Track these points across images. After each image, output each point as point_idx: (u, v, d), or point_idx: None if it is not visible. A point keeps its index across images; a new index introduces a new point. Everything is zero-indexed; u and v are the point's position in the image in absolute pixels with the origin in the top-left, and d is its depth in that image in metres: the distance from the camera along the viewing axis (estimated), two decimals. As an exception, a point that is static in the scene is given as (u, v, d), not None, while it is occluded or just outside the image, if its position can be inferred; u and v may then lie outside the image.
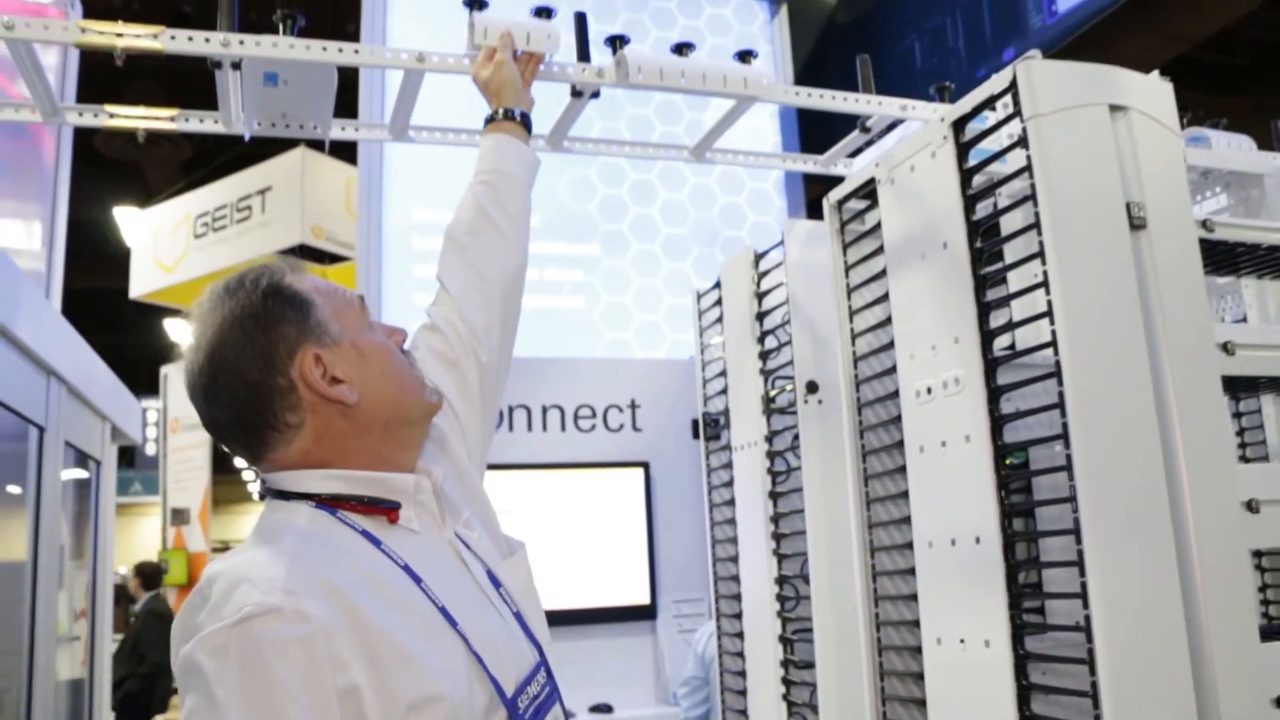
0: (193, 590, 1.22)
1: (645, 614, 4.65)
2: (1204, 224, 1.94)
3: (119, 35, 2.01)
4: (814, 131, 5.82)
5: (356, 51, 2.18)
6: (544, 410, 4.80)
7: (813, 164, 2.87)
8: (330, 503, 1.35)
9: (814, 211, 2.27)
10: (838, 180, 2.29)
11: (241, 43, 2.09)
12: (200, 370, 1.36)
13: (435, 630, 1.27)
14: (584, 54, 2.34)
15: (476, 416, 1.69)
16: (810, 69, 7.56)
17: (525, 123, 2.03)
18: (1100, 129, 1.74)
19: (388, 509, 1.36)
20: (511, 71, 2.08)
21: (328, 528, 1.32)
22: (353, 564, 1.27)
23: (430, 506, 1.43)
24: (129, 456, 15.21)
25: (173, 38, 2.05)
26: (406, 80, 2.33)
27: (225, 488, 20.19)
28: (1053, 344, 1.65)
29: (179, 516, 11.92)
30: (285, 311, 1.37)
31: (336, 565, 1.25)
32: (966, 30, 6.46)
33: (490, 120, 2.02)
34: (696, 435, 3.16)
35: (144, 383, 10.42)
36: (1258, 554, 2.52)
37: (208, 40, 2.07)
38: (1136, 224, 1.71)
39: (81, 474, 4.20)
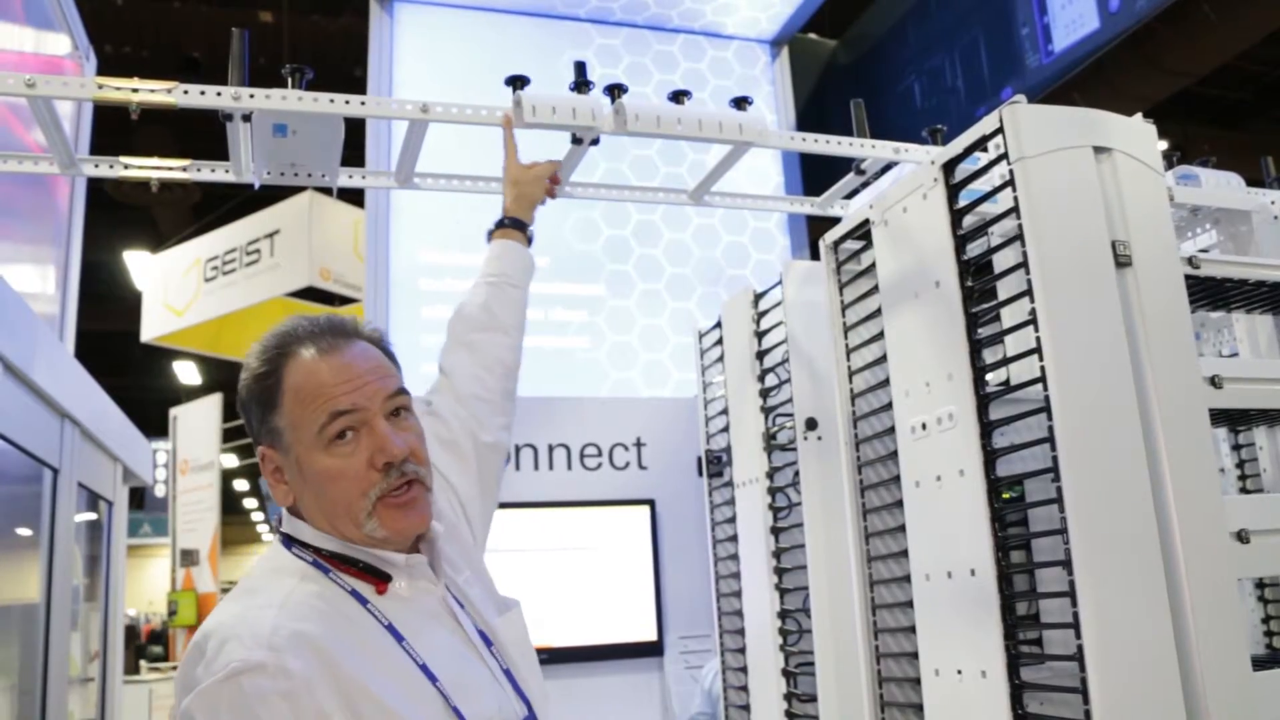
0: (191, 643, 1.31)
1: (652, 650, 4.66)
2: (1190, 260, 1.98)
3: (135, 91, 2.08)
4: (817, 170, 5.89)
5: (363, 103, 2.24)
6: (550, 449, 4.84)
7: (810, 206, 2.92)
8: (328, 560, 1.41)
9: (817, 250, 2.32)
10: (838, 219, 2.34)
11: (252, 96, 2.15)
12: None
13: (413, 686, 1.33)
14: (583, 103, 2.40)
15: (474, 491, 1.75)
16: (811, 109, 7.66)
17: (529, 236, 2.13)
18: (1085, 170, 1.79)
19: (378, 580, 1.42)
20: (539, 191, 2.18)
21: (318, 584, 1.39)
22: (336, 621, 1.34)
23: (423, 573, 1.47)
24: (138, 498, 15.28)
25: (185, 92, 2.12)
26: (411, 130, 2.39)
27: (234, 529, 20.24)
28: (1042, 379, 1.69)
29: (188, 558, 11.94)
30: (255, 403, 1.44)
31: (320, 622, 1.32)
32: (965, 70, 6.55)
33: (500, 225, 2.10)
34: (701, 472, 3.20)
35: (153, 425, 10.48)
36: (1260, 584, 2.54)
37: (219, 95, 2.13)
38: (1122, 261, 1.76)
39: (92, 516, 4.24)
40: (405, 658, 1.35)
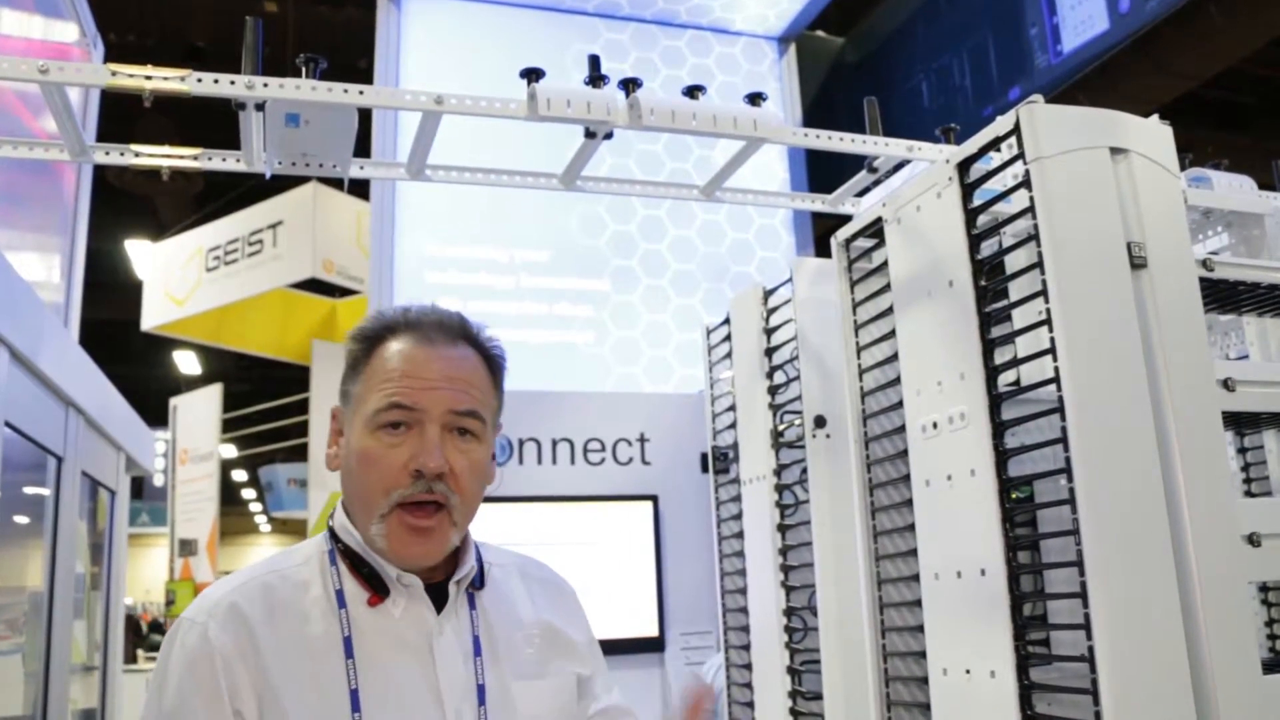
0: None
1: (653, 646, 4.66)
2: (1204, 263, 1.98)
3: (148, 78, 2.07)
4: (822, 169, 5.89)
5: (377, 94, 2.23)
6: (554, 443, 4.83)
7: (821, 203, 2.91)
8: (343, 555, 1.41)
9: (822, 248, 2.31)
10: (846, 217, 2.33)
11: (265, 85, 2.15)
12: None
13: (328, 706, 1.30)
14: (598, 96, 2.39)
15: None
16: (818, 106, 7.65)
17: None
18: (1101, 171, 1.78)
19: (373, 592, 1.39)
20: None
21: (311, 571, 1.41)
22: (291, 614, 1.35)
23: (419, 596, 1.41)
24: (137, 487, 15.26)
25: (199, 80, 2.11)
26: (425, 121, 2.38)
27: (233, 519, 20.24)
28: (1055, 380, 1.69)
29: (187, 547, 11.95)
30: (347, 362, 1.46)
31: (271, 610, 1.35)
32: (973, 70, 6.54)
33: None
34: (705, 469, 3.19)
35: (153, 414, 10.48)
36: (1264, 588, 2.54)
37: (233, 83, 2.13)
38: (1137, 263, 1.76)
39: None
40: (341, 677, 1.31)
